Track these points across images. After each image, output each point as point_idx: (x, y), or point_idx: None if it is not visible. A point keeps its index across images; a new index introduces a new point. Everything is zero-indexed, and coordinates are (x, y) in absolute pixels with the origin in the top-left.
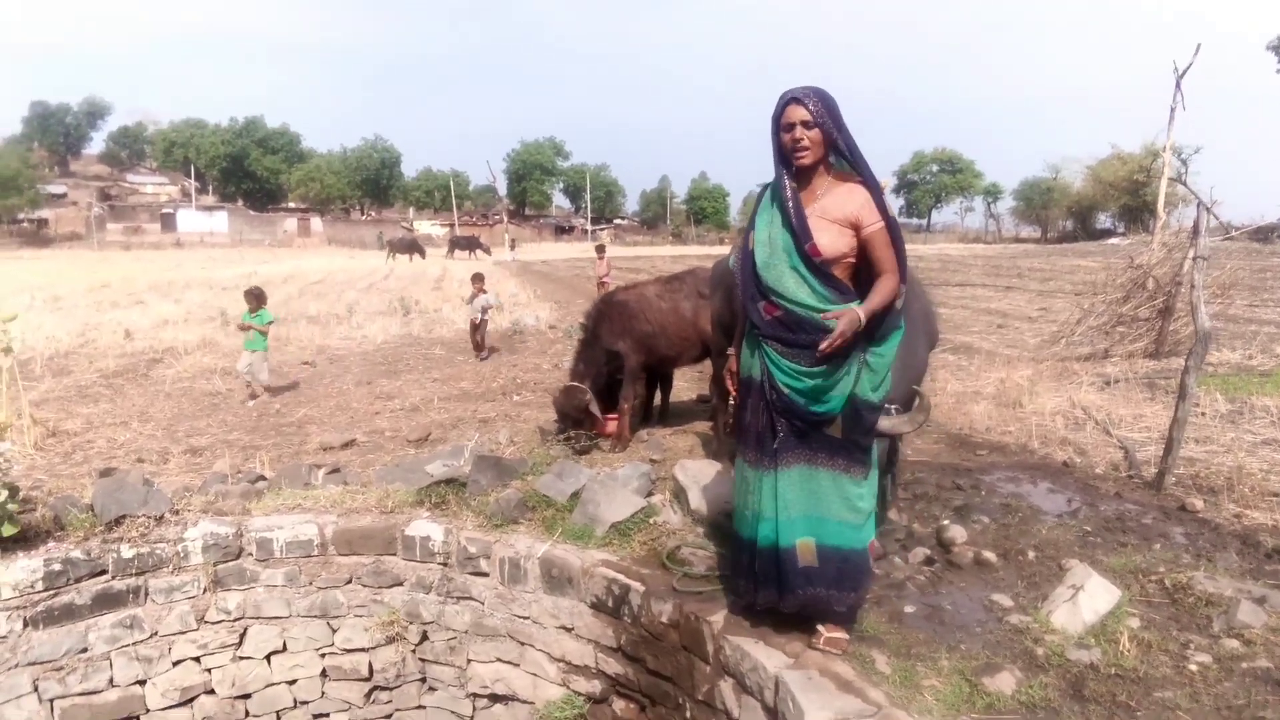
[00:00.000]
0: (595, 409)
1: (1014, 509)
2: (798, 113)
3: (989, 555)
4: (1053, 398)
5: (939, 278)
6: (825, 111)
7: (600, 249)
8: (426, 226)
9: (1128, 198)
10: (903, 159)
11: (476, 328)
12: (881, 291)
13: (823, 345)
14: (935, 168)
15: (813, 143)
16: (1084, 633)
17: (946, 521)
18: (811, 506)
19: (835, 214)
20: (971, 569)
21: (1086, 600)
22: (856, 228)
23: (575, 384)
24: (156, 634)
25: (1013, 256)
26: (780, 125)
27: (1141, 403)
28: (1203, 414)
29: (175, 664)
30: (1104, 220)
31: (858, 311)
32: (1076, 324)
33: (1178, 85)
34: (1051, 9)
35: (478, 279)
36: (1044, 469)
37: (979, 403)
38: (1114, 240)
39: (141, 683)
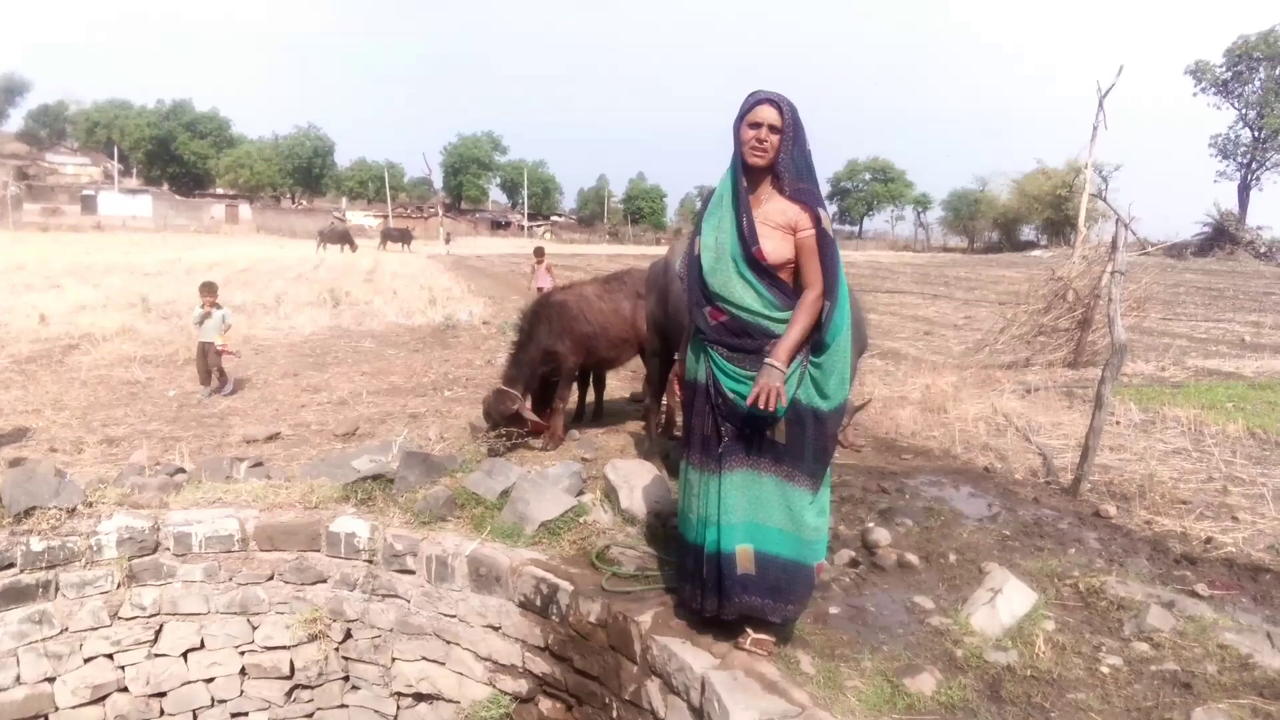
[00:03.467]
0: (527, 413)
1: (937, 513)
2: (769, 114)
3: (912, 558)
4: (976, 404)
5: (870, 284)
6: (792, 124)
7: (539, 252)
8: (359, 217)
9: (1051, 211)
10: (837, 166)
11: (206, 356)
12: (798, 320)
13: (747, 401)
14: (868, 176)
15: (771, 147)
16: (1002, 635)
17: (871, 524)
18: (753, 513)
19: (777, 219)
20: (895, 571)
21: (1004, 603)
22: (795, 232)
23: (506, 389)
24: (67, 630)
25: (940, 265)
26: (746, 121)
27: (1060, 411)
28: (1118, 423)
29: (86, 661)
30: (1028, 232)
31: (773, 366)
32: (1000, 333)
33: (1101, 105)
34: (984, 28)
35: (208, 290)
36: (966, 474)
37: (905, 408)
38: (1037, 252)
39: (51, 680)
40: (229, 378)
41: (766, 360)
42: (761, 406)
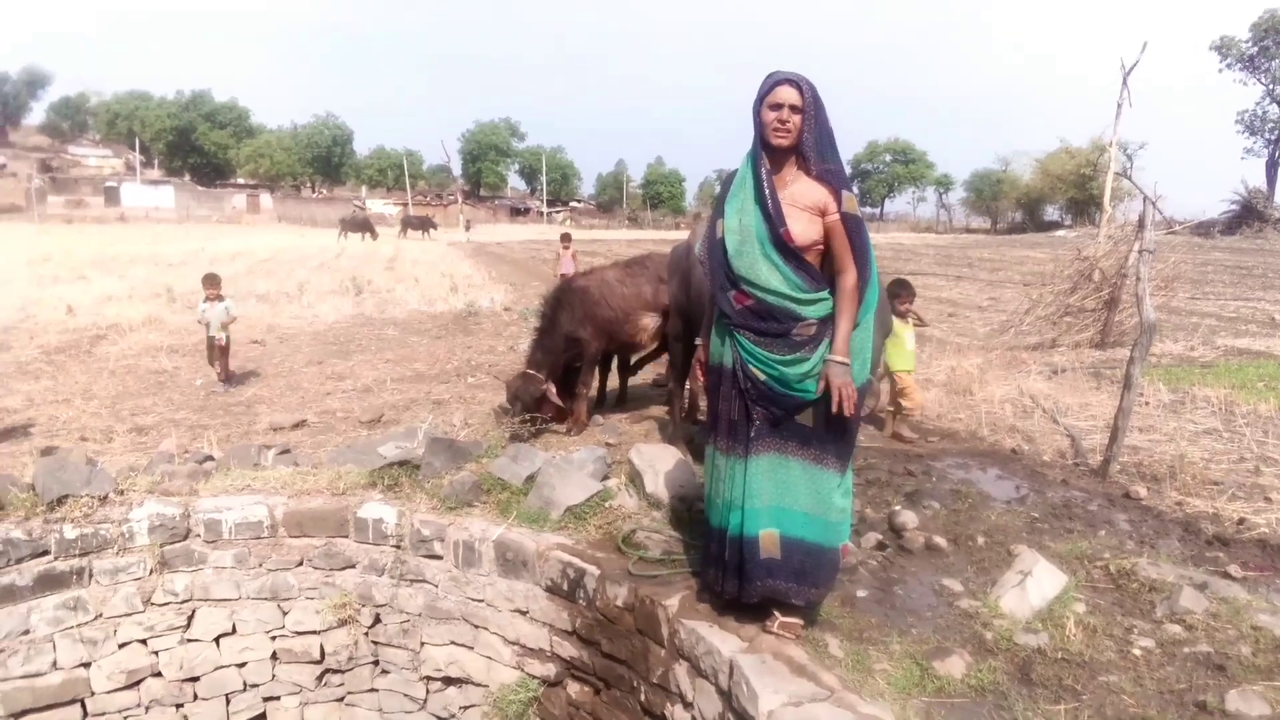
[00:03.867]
0: (554, 397)
1: (964, 495)
2: (789, 94)
3: (940, 541)
4: (1002, 386)
5: (892, 266)
6: (813, 103)
7: (566, 238)
8: (379, 206)
9: (1075, 191)
10: (857, 148)
11: (214, 348)
12: (845, 310)
13: (837, 408)
14: (889, 157)
15: (794, 128)
16: (1032, 617)
17: (898, 507)
18: (779, 497)
19: (804, 201)
20: (922, 554)
21: (1034, 586)
22: (823, 214)
23: (532, 372)
24: (101, 616)
25: (963, 246)
26: (766, 103)
27: (1087, 392)
28: (1146, 404)
29: (121, 646)
30: (1052, 213)
31: (836, 361)
32: (1025, 314)
33: (1125, 82)
34: (1005, 6)
35: (211, 282)
36: (993, 456)
37: (930, 390)
38: (1061, 232)
39: (86, 665)
40: (231, 372)
41: (830, 358)
42: (835, 409)
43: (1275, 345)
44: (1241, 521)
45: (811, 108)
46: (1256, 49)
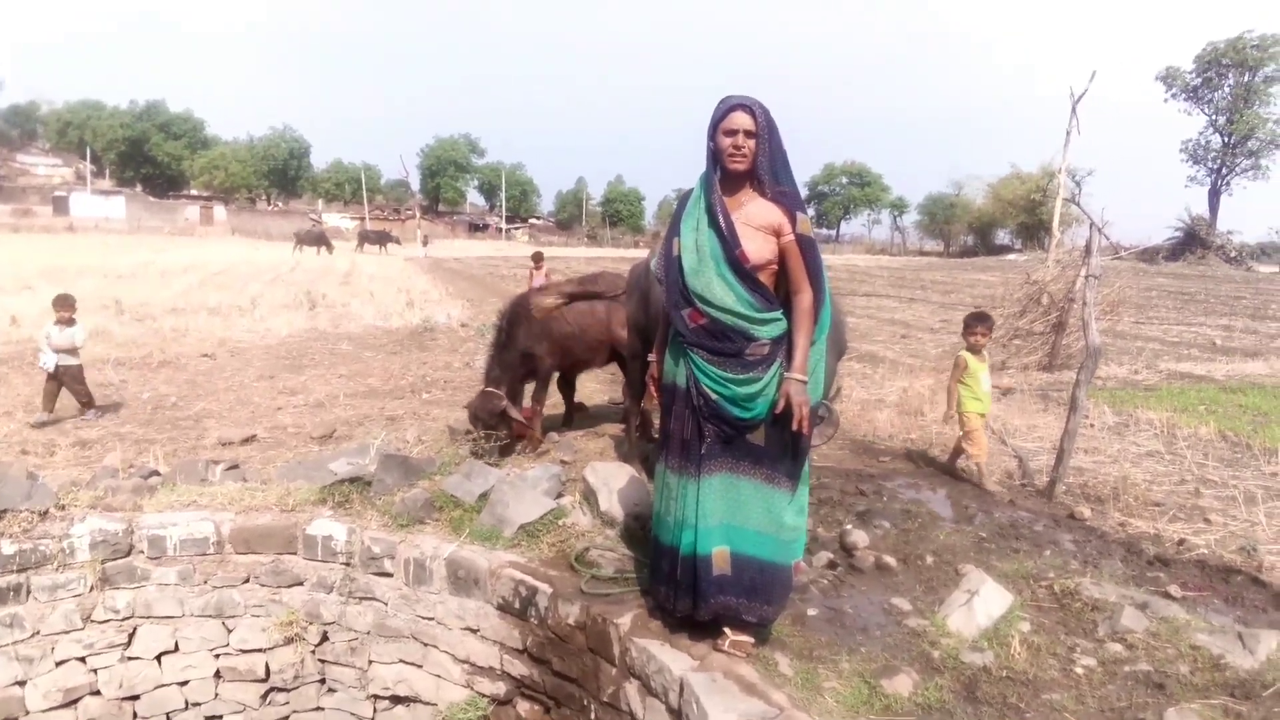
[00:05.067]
0: (514, 413)
1: (914, 515)
2: (744, 120)
3: (889, 560)
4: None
5: (847, 288)
6: (766, 126)
7: (538, 258)
8: (336, 220)
9: (1025, 215)
10: (814, 171)
11: (57, 377)
12: (802, 328)
13: (794, 426)
14: (845, 180)
15: (749, 152)
16: (978, 636)
17: (849, 526)
18: (730, 515)
19: (759, 221)
20: (873, 573)
21: (981, 605)
22: (778, 235)
23: (491, 390)
24: (39, 633)
25: (917, 269)
26: (721, 129)
27: (1035, 413)
28: (1092, 425)
29: (58, 664)
30: (1003, 236)
31: (795, 379)
32: None
33: (1073, 110)
34: (958, 34)
35: (64, 303)
36: (943, 476)
37: (882, 410)
38: (1012, 256)
39: (21, 683)
40: (92, 401)
41: (789, 375)
42: (795, 426)
43: (1216, 370)
44: (1182, 542)
45: (765, 131)
46: (1200, 80)
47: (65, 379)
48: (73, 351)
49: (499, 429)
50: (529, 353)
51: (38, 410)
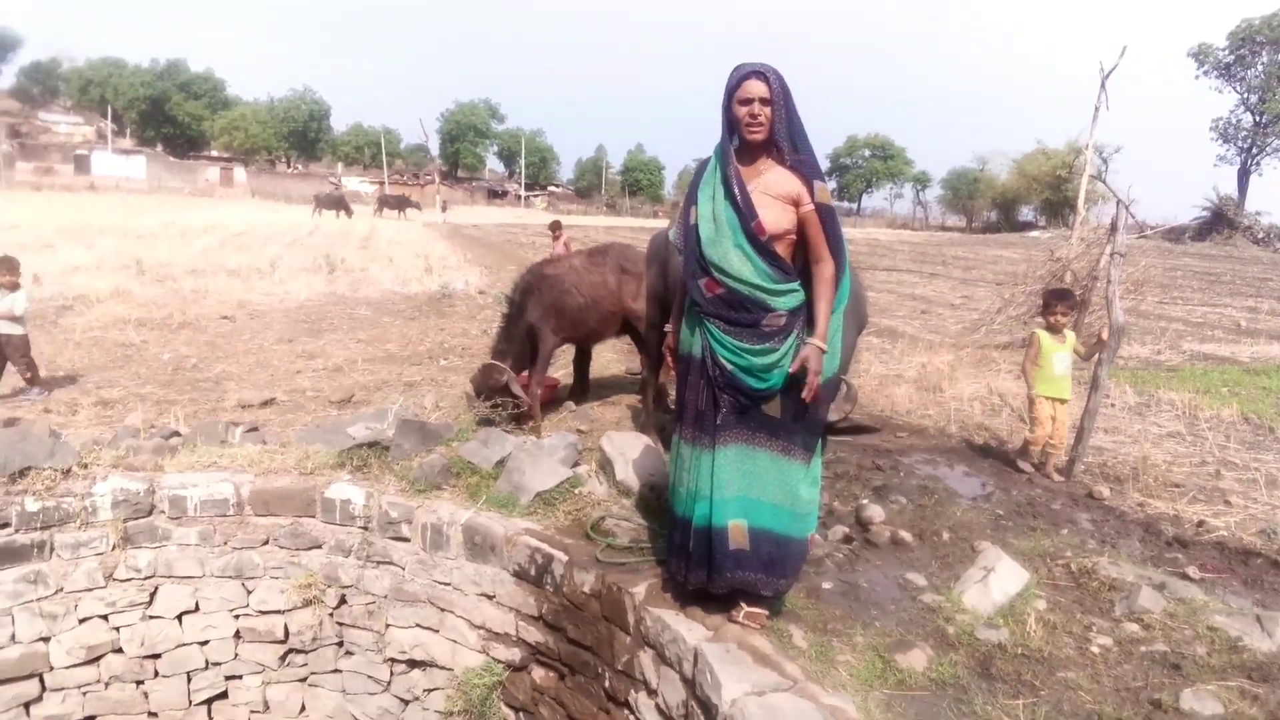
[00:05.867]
0: (516, 388)
1: (931, 491)
2: (758, 88)
3: (905, 535)
4: (971, 383)
5: (867, 262)
6: (781, 93)
7: (556, 226)
8: (356, 183)
9: (1050, 192)
10: (836, 142)
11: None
12: (824, 296)
13: (805, 395)
14: (868, 153)
15: (766, 120)
16: (993, 613)
17: (865, 501)
18: (747, 487)
19: (777, 190)
20: (888, 548)
21: (996, 582)
22: (797, 205)
23: (494, 362)
24: (62, 590)
25: (939, 244)
26: (736, 98)
27: None
28: (1113, 405)
29: (81, 621)
30: (1027, 213)
31: (814, 344)
32: (996, 313)
33: (1103, 85)
34: (988, 5)
35: (8, 267)
36: (961, 452)
37: (901, 386)
38: (1035, 233)
39: (45, 640)
40: (38, 377)
41: (811, 341)
42: (805, 395)
43: (1240, 351)
44: (1201, 524)
45: (781, 98)
46: (1233, 57)
47: (7, 349)
48: (15, 320)
49: (501, 401)
50: (539, 325)
51: (59, 371)
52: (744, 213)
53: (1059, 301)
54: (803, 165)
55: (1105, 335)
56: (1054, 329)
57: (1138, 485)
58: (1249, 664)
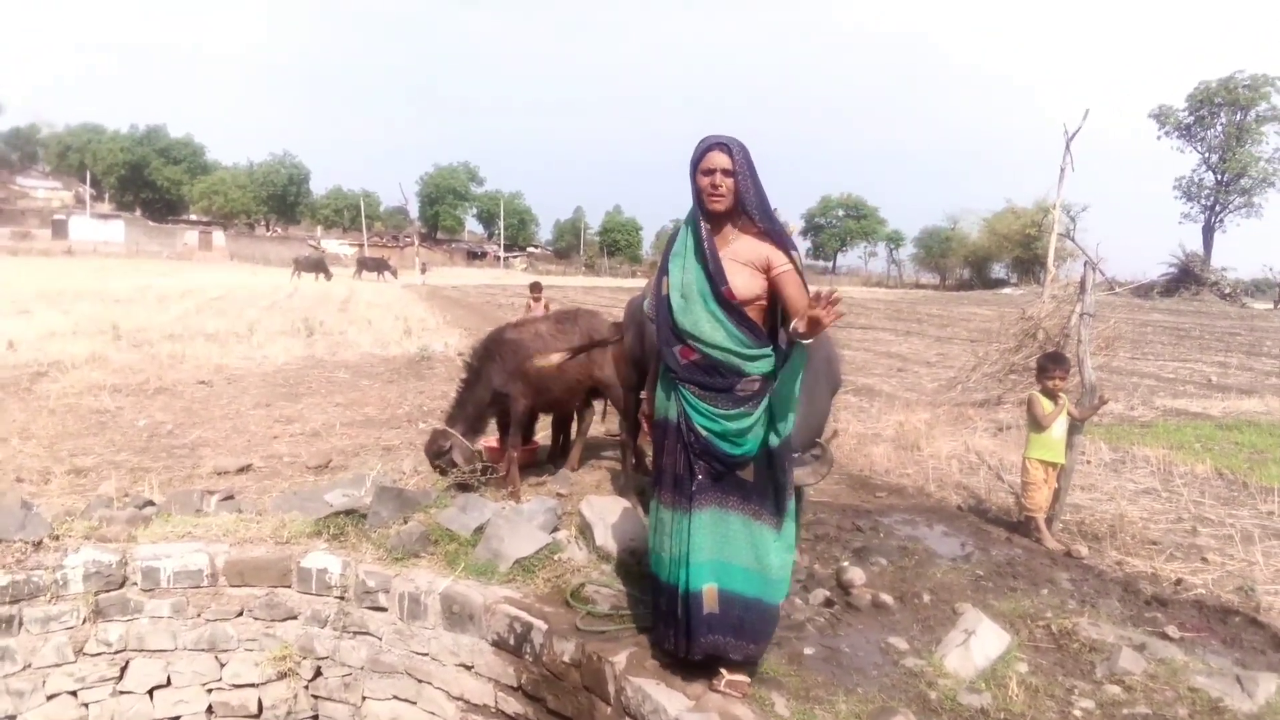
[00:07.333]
0: (457, 457)
1: (911, 551)
2: (720, 160)
3: (886, 598)
4: (949, 442)
5: (843, 320)
6: (744, 165)
7: (536, 288)
8: (335, 246)
9: (1020, 250)
10: (810, 203)
11: None
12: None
13: (825, 320)
14: (841, 213)
15: (728, 190)
16: (975, 677)
17: (846, 563)
18: (719, 551)
19: (746, 257)
20: (869, 611)
21: (978, 645)
22: (767, 270)
23: (445, 428)
24: (30, 666)
25: (913, 302)
26: (699, 169)
27: None
28: (1088, 462)
29: (50, 698)
30: (999, 270)
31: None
32: (972, 371)
33: (1067, 146)
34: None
35: None
36: (940, 512)
37: (879, 444)
38: (1008, 290)
39: (12, 718)
40: None
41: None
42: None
43: (1211, 406)
44: (1179, 582)
45: (744, 168)
46: (1192, 118)
47: None
48: None
49: (448, 469)
50: (502, 391)
51: (32, 439)
52: (714, 279)
53: (1055, 366)
54: (774, 234)
55: (1104, 397)
56: (1050, 394)
57: (1115, 543)
58: None
